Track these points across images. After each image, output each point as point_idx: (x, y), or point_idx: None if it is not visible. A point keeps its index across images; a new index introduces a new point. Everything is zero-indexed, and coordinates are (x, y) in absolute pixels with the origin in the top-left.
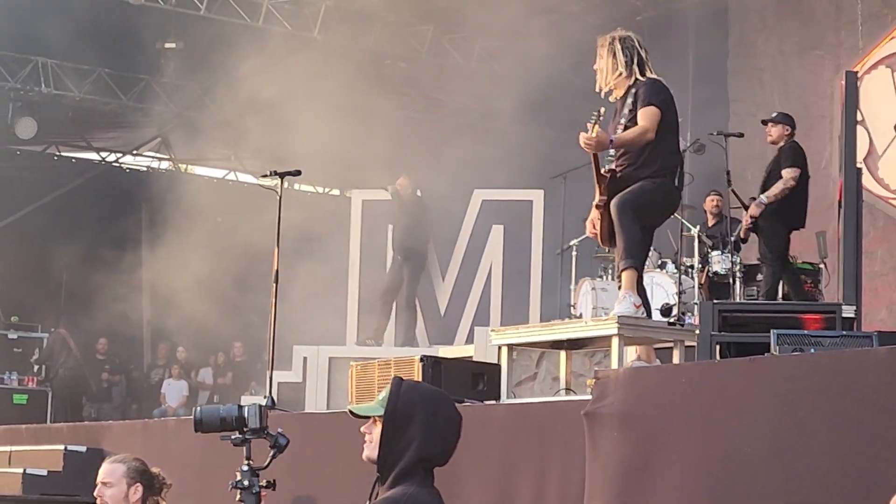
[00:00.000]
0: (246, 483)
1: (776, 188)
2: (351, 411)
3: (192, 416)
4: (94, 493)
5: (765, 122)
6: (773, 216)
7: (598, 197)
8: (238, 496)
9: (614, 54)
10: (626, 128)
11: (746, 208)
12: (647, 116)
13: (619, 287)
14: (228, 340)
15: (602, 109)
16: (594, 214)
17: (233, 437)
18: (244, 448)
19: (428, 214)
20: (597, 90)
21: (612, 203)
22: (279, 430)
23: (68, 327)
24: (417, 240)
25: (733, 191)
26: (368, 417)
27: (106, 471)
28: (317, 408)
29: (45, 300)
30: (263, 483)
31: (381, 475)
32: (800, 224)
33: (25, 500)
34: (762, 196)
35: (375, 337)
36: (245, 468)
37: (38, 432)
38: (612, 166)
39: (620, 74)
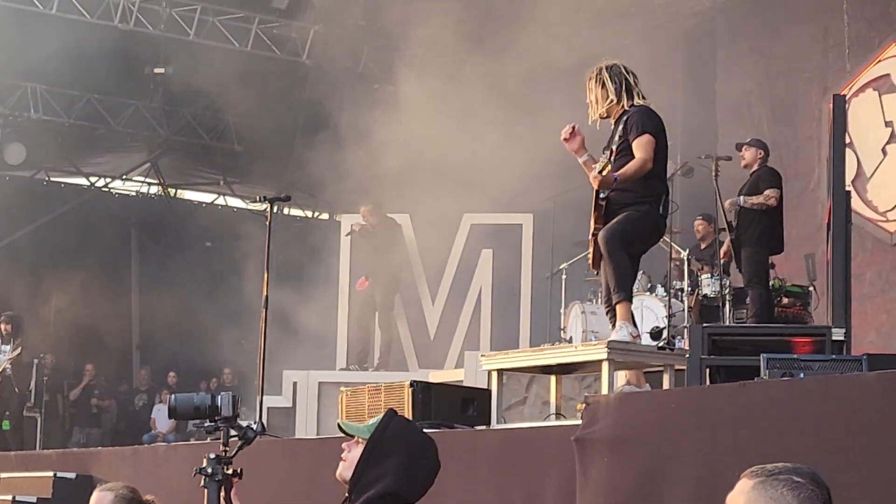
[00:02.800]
0: (210, 470)
1: (757, 198)
2: (339, 426)
3: (179, 440)
4: None
5: (739, 147)
6: (756, 242)
7: (593, 226)
8: (202, 482)
9: (603, 83)
10: (617, 154)
11: (730, 230)
12: (642, 146)
13: (612, 320)
14: (219, 365)
15: (612, 150)
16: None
17: (205, 424)
18: (219, 437)
19: (400, 235)
20: (589, 123)
21: (600, 236)
22: (250, 422)
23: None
24: (389, 262)
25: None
26: (353, 436)
27: (95, 499)
28: (307, 432)
29: (34, 326)
30: (230, 472)
31: (349, 497)
32: (780, 248)
33: None
34: (741, 198)
35: (360, 362)
36: (211, 456)
37: (28, 459)
38: (605, 194)
39: (611, 102)
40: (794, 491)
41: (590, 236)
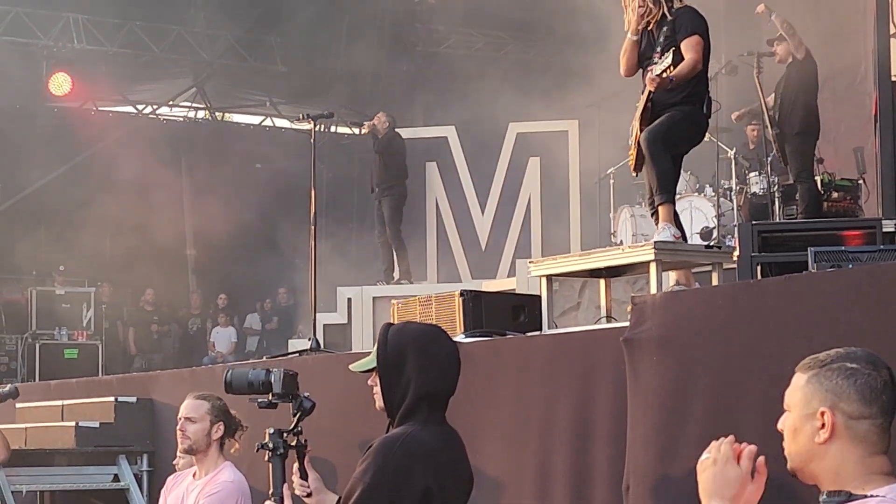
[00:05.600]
0: (272, 445)
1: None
2: (351, 369)
3: (238, 363)
4: (178, 428)
5: (770, 43)
6: (798, 134)
7: (637, 128)
8: (266, 457)
9: None
10: (662, 55)
11: (772, 125)
12: (692, 47)
13: (656, 222)
14: (274, 286)
15: (670, 56)
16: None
17: (259, 399)
18: (289, 408)
19: (404, 150)
20: (629, 31)
21: (643, 137)
22: (305, 393)
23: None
24: (395, 176)
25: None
26: (370, 372)
27: (190, 406)
28: (363, 348)
29: (91, 255)
30: (293, 443)
31: (390, 421)
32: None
33: (79, 452)
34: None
35: (386, 278)
36: (272, 430)
37: (89, 385)
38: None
39: (651, 12)
40: (849, 379)
41: (632, 139)
